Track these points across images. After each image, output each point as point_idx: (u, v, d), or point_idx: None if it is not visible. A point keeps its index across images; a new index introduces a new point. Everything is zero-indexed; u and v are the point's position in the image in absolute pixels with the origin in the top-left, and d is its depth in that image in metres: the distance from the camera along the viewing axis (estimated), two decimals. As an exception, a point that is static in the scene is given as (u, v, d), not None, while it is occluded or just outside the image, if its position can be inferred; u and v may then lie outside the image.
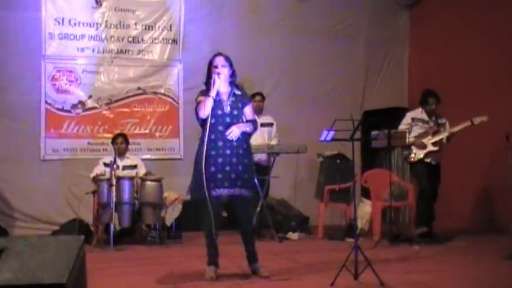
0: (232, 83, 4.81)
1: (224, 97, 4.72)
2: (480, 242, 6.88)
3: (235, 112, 4.74)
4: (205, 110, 4.63)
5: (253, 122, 4.86)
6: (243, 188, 4.73)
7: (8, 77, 7.93)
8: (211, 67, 4.75)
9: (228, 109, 4.70)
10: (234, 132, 4.66)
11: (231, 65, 4.77)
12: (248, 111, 4.83)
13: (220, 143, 4.64)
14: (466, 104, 7.64)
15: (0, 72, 7.92)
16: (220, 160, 4.63)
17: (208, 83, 4.74)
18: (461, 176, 7.97)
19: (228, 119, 4.69)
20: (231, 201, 4.79)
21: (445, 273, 5.15)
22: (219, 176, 4.62)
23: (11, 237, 6.96)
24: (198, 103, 4.74)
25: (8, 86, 7.92)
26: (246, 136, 4.79)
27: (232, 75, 4.79)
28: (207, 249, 4.81)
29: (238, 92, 4.82)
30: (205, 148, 4.58)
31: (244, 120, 4.78)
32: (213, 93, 4.63)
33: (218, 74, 4.65)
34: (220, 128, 4.66)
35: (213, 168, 4.62)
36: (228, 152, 4.66)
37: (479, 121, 6.66)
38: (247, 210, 4.94)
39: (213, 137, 4.65)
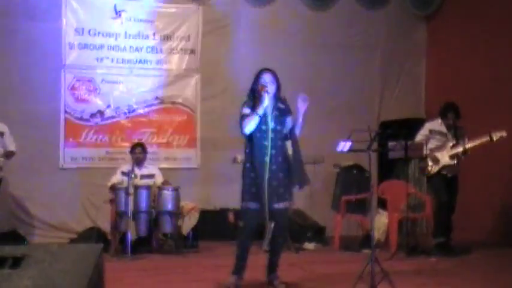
0: (277, 97, 4.79)
1: (268, 112, 4.70)
2: (498, 255, 6.81)
3: (278, 127, 4.74)
4: (250, 127, 4.62)
5: (295, 129, 4.84)
6: (288, 200, 4.75)
7: (28, 86, 8.01)
8: (257, 80, 4.73)
9: (272, 124, 4.69)
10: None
11: (277, 80, 4.77)
12: (289, 121, 4.82)
13: (266, 158, 4.60)
14: (483, 116, 7.57)
15: (21, 81, 8.01)
16: (267, 175, 4.58)
17: (254, 96, 4.72)
18: (480, 187, 7.91)
19: (272, 134, 4.67)
20: (274, 212, 4.65)
21: (461, 286, 5.11)
22: (268, 190, 4.56)
23: (30, 245, 7.03)
24: (242, 115, 4.70)
25: (28, 95, 7.99)
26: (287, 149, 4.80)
27: (278, 89, 4.78)
28: (235, 259, 4.77)
29: (282, 106, 4.81)
30: (251, 163, 4.64)
31: (286, 130, 4.78)
32: (260, 111, 4.61)
33: (267, 92, 4.65)
34: (266, 143, 4.64)
35: (261, 183, 4.58)
36: (274, 167, 4.64)
37: (499, 137, 6.51)
38: (286, 221, 4.98)
39: (258, 152, 4.64)
